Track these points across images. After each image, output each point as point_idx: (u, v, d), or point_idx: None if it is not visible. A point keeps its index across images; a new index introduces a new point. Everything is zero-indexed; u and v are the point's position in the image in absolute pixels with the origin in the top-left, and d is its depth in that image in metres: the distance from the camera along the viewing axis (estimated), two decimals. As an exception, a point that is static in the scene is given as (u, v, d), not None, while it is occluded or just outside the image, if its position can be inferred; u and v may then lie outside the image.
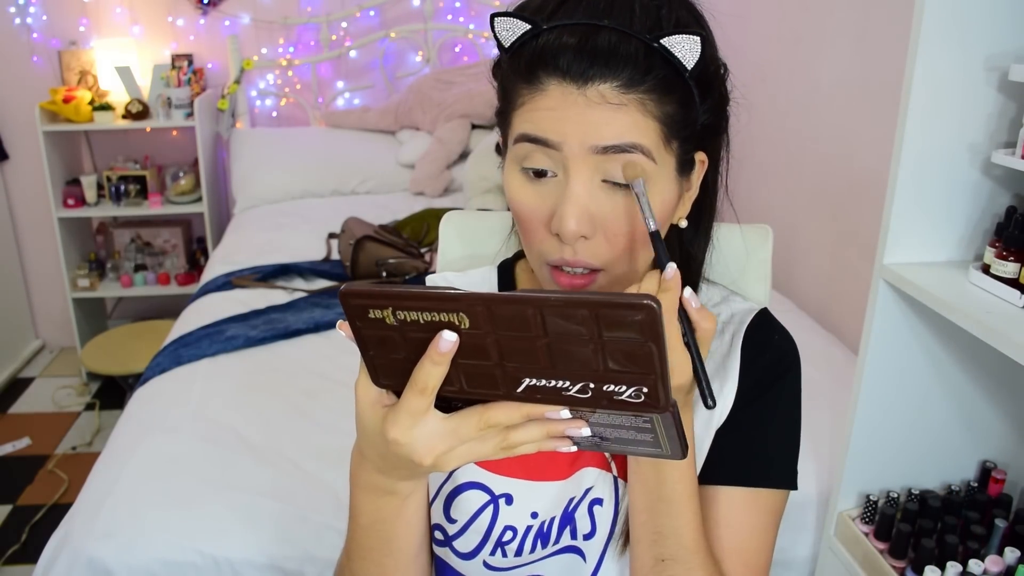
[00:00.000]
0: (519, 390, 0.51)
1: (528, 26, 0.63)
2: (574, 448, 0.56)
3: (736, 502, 0.73)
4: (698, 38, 0.61)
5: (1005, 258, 1.02)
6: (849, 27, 1.97)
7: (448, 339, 0.48)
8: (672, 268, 0.58)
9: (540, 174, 0.66)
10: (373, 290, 0.48)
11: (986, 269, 1.06)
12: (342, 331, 0.52)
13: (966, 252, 1.15)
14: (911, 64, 1.04)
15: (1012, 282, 1.02)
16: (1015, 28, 1.03)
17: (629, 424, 0.53)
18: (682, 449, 0.55)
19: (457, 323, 0.48)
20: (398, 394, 0.54)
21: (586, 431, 0.54)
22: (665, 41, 0.61)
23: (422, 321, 0.49)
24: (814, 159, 2.16)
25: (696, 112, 0.65)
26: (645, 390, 0.48)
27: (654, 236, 0.62)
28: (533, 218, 0.67)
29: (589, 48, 0.61)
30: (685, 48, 0.61)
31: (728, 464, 0.73)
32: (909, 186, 1.09)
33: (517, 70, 0.65)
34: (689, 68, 0.62)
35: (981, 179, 1.11)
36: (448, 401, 0.54)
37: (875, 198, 1.83)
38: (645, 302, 0.44)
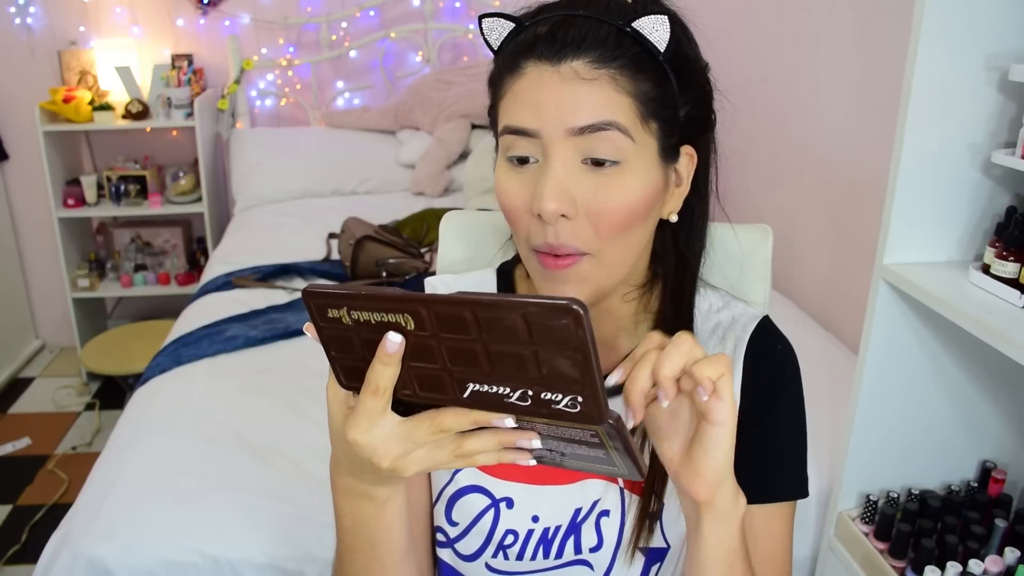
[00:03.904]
0: (465, 395, 0.51)
1: (513, 24, 0.68)
2: (533, 462, 0.56)
3: (756, 517, 0.74)
4: (666, 17, 0.64)
5: (1005, 258, 1.02)
6: (849, 27, 1.97)
7: (393, 340, 0.49)
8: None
9: (523, 160, 0.68)
10: (329, 290, 0.49)
11: (986, 269, 1.05)
12: (308, 332, 0.53)
13: (966, 252, 1.15)
14: (911, 64, 1.04)
15: (1012, 282, 1.01)
16: (1015, 28, 1.03)
17: (580, 438, 0.52)
18: (638, 469, 0.54)
19: (403, 324, 0.49)
20: None
21: (537, 443, 0.53)
22: (635, 24, 0.64)
23: (373, 322, 0.49)
24: (814, 159, 2.16)
25: (674, 96, 0.67)
26: (580, 400, 0.47)
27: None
28: (517, 203, 0.69)
29: (562, 32, 0.65)
30: (655, 28, 0.64)
31: (742, 484, 0.73)
32: (909, 186, 1.09)
33: (502, 65, 0.69)
34: (661, 49, 0.65)
35: (981, 179, 1.11)
36: (411, 407, 0.54)
37: (875, 198, 1.83)
38: (573, 306, 0.43)
